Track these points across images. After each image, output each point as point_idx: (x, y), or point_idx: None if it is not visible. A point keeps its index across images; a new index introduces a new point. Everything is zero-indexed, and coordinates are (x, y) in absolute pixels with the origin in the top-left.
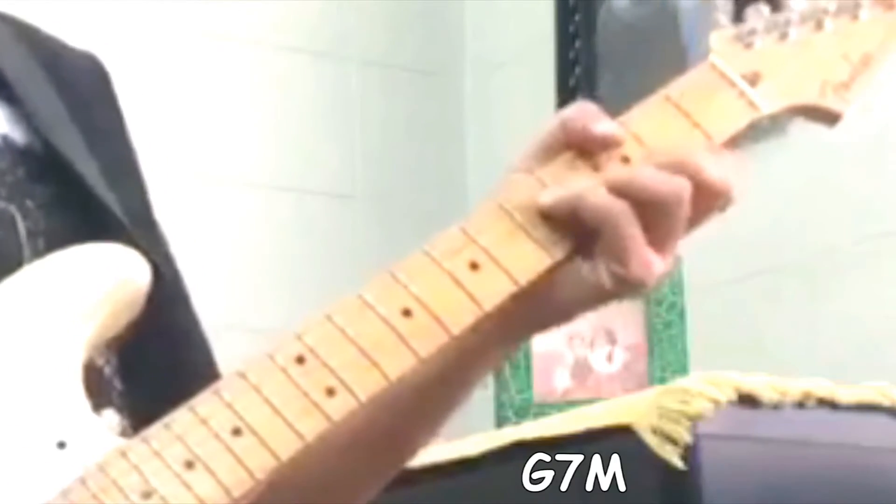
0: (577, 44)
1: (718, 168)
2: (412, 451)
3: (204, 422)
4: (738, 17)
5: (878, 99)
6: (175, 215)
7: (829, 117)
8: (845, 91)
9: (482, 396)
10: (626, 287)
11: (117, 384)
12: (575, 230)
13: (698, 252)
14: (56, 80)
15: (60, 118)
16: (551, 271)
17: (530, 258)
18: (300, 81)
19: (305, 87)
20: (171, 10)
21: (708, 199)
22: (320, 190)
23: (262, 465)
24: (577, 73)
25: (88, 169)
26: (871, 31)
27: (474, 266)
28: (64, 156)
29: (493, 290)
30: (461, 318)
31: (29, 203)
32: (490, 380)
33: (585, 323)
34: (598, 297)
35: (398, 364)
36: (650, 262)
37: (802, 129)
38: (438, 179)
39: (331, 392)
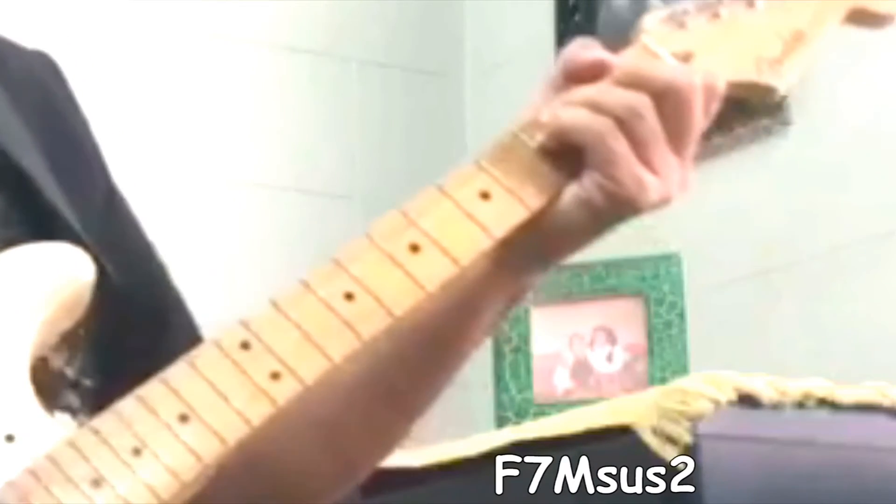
0: None
1: (670, 70)
2: (432, 395)
3: (151, 409)
4: None
5: (879, 99)
6: (173, 215)
7: (765, 92)
8: (779, 66)
9: (482, 396)
10: (618, 204)
11: (86, 382)
12: (559, 165)
13: (698, 252)
14: (7, 82)
15: (13, 124)
16: (517, 230)
17: (469, 238)
18: (300, 81)
19: (305, 87)
20: (169, 10)
21: (678, 105)
22: (319, 190)
23: (209, 450)
24: None
25: (41, 174)
26: (801, 9)
27: (415, 248)
28: (17, 162)
29: (434, 272)
30: (403, 300)
31: None
32: (490, 380)
33: (585, 323)
34: (594, 218)
35: (342, 346)
36: (640, 176)
37: (803, 130)
38: (438, 180)
39: (276, 376)
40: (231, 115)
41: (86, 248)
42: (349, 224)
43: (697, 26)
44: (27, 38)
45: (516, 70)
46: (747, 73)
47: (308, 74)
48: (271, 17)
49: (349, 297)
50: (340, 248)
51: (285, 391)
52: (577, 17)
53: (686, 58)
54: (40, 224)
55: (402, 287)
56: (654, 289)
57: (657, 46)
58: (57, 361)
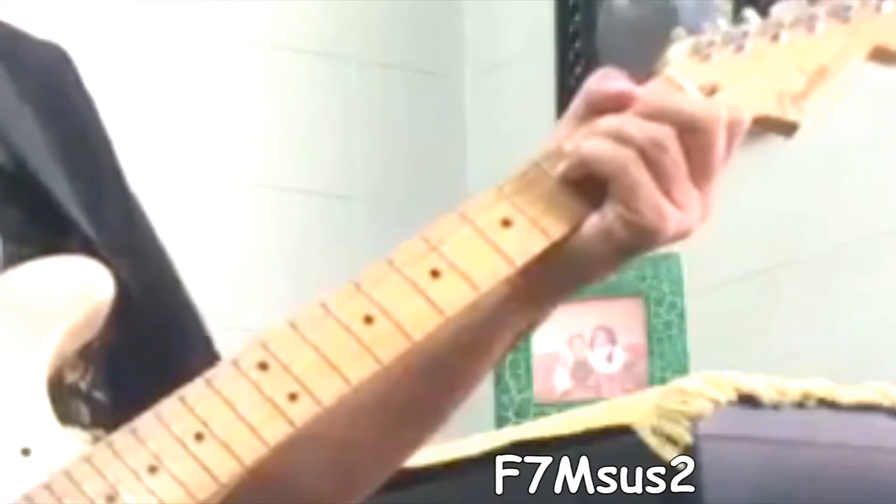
0: (577, 44)
1: (695, 104)
2: (440, 419)
3: (167, 427)
4: (736, 16)
5: (879, 99)
6: (174, 215)
7: (787, 128)
8: (802, 101)
9: (482, 396)
10: (638, 235)
11: (98, 396)
12: (577, 199)
13: (698, 252)
14: (17, 75)
15: (26, 124)
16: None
17: (489, 265)
18: (300, 81)
19: (305, 87)
20: (169, 10)
21: (702, 138)
22: (319, 190)
23: (225, 469)
24: (577, 73)
25: (59, 184)
26: (826, 44)
27: (435, 273)
28: (34, 172)
29: (454, 298)
30: (422, 324)
31: (4, 227)
32: (490, 380)
33: (585, 323)
34: (613, 249)
35: (360, 370)
36: (661, 208)
37: (803, 129)
38: (438, 180)
39: (293, 397)
40: (232, 116)
41: (106, 262)
42: (350, 224)
43: (722, 59)
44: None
45: (516, 70)
46: (769, 107)
47: (308, 74)
48: (271, 17)
49: (368, 320)
50: (361, 272)
51: (303, 412)
52: (577, 17)
53: (711, 91)
54: (57, 238)
55: (422, 312)
56: (654, 289)
57: (682, 79)
58: (71, 375)
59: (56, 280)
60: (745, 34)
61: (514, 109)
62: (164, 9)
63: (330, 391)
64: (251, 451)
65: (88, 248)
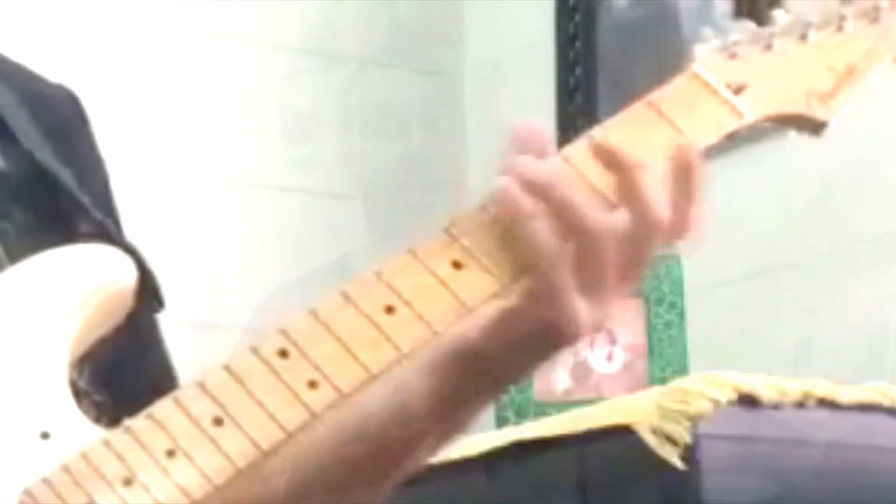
0: (577, 44)
1: (595, 214)
2: (400, 474)
3: (186, 411)
4: (736, 16)
5: (878, 100)
6: (174, 215)
7: (814, 126)
8: (830, 100)
9: None
10: (548, 334)
11: (95, 396)
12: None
13: (698, 252)
14: (33, 110)
15: (42, 144)
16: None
17: (512, 260)
18: (300, 81)
19: (305, 87)
20: (169, 10)
21: (589, 246)
22: (320, 190)
23: (243, 454)
24: (577, 73)
25: (68, 179)
26: (855, 43)
27: (457, 265)
28: (45, 170)
29: (476, 290)
30: (445, 316)
31: (7, 225)
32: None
33: None
34: (519, 342)
35: (380, 358)
36: (576, 311)
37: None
38: (438, 180)
39: (313, 385)
40: (231, 116)
41: (129, 252)
42: (350, 224)
43: (749, 57)
44: (25, 38)
45: (516, 70)
46: (797, 105)
47: (308, 74)
48: (271, 17)
49: (390, 310)
50: (381, 261)
51: (322, 400)
52: (577, 17)
53: (739, 88)
54: (72, 229)
55: (444, 303)
56: (654, 289)
57: (709, 75)
58: (72, 373)
59: (79, 266)
60: (772, 34)
61: (514, 109)
62: (165, 9)
63: (350, 379)
64: (269, 438)
65: (105, 237)
